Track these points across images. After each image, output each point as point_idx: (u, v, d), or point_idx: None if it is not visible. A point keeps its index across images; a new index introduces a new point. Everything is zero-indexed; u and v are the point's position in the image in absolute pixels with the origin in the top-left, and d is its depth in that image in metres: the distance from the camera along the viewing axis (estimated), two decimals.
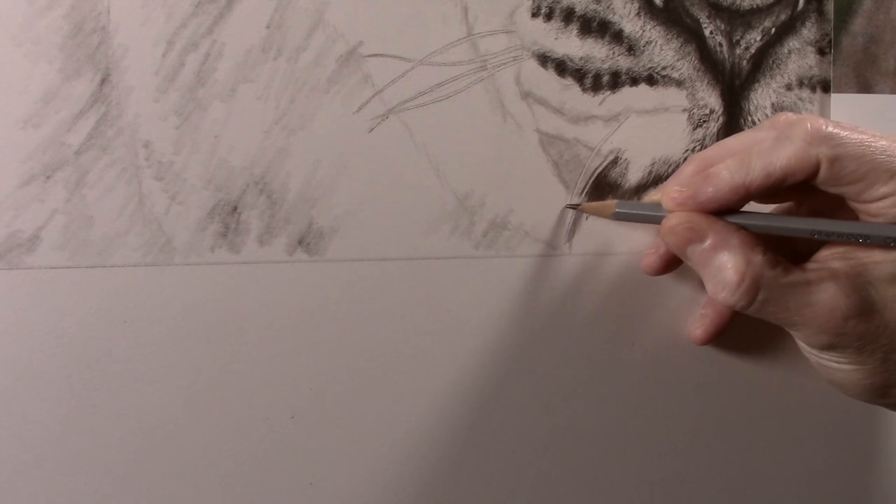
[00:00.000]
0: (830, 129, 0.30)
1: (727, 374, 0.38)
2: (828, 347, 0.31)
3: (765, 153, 0.30)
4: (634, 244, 0.37)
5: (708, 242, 0.31)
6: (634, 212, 0.34)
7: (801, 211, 0.35)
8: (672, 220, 0.32)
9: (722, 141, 0.34)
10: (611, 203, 0.34)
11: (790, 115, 0.32)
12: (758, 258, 0.30)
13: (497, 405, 0.36)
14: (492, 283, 0.36)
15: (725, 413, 0.38)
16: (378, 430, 0.35)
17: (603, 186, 0.36)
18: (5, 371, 0.32)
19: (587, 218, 0.36)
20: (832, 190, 0.30)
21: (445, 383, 0.35)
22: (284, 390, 0.34)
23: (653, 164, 0.36)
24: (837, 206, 0.32)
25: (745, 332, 0.38)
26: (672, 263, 0.35)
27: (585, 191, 0.36)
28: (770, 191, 0.31)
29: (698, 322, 0.37)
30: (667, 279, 0.37)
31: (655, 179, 0.36)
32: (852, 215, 0.31)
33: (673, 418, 0.37)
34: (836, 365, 0.31)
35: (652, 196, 0.34)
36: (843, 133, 0.30)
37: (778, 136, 0.31)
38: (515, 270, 0.36)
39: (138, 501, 0.33)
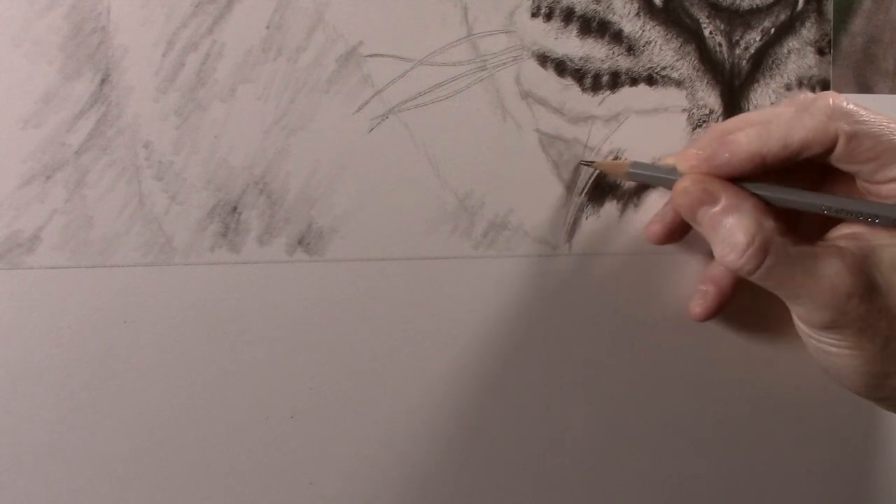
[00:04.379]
0: (851, 106, 0.30)
1: (727, 374, 0.38)
2: (828, 326, 0.31)
3: (784, 124, 0.31)
4: (634, 244, 0.37)
5: (720, 205, 0.31)
6: (648, 173, 0.34)
7: None
8: (686, 181, 0.32)
9: (743, 114, 0.35)
10: (625, 163, 0.34)
11: (811, 94, 0.33)
12: (769, 223, 0.30)
13: (497, 405, 0.36)
14: (492, 283, 0.36)
15: (726, 413, 0.38)
16: (378, 430, 0.35)
17: (603, 186, 0.36)
18: (5, 371, 0.32)
19: (587, 217, 0.36)
20: (846, 167, 0.31)
21: (445, 383, 0.35)
22: (284, 390, 0.34)
23: (653, 164, 0.36)
24: (847, 194, 0.33)
25: (745, 333, 0.38)
26: (676, 233, 0.35)
27: (585, 191, 0.36)
28: (786, 163, 0.31)
29: (698, 298, 0.36)
30: (668, 279, 0.37)
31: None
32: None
33: (673, 419, 0.37)
34: (835, 349, 0.31)
35: (667, 159, 0.34)
36: (864, 112, 0.30)
37: (799, 110, 0.31)
38: (515, 270, 0.36)
39: (138, 501, 0.33)
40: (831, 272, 0.30)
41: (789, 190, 0.32)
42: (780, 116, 0.31)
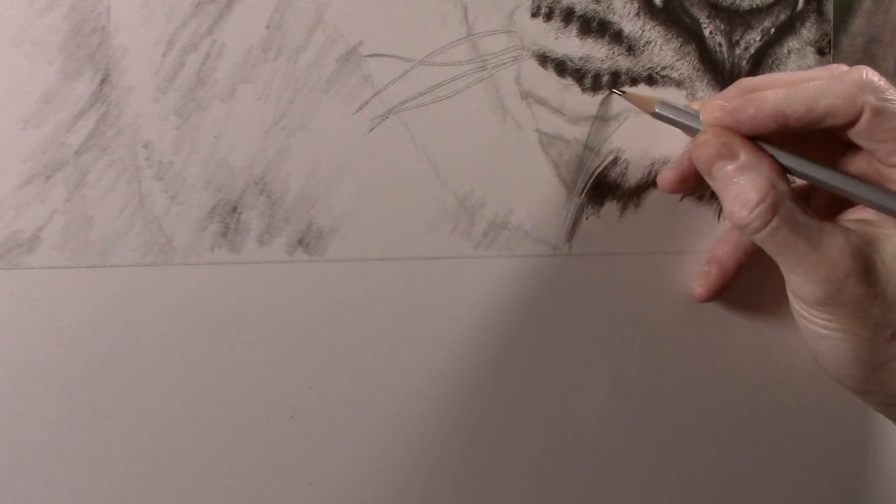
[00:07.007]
0: (883, 83, 0.30)
1: (727, 374, 0.38)
2: (822, 303, 0.31)
3: (813, 88, 0.31)
4: (634, 244, 0.37)
5: (737, 162, 0.31)
6: (673, 116, 0.33)
7: None
8: (707, 134, 0.32)
9: (772, 73, 0.35)
10: (654, 99, 0.34)
11: (845, 65, 0.32)
12: (782, 186, 0.31)
13: (497, 405, 0.36)
14: (492, 283, 0.36)
15: (726, 414, 0.38)
16: (378, 430, 0.35)
17: (603, 186, 0.36)
18: (5, 371, 0.32)
19: (587, 217, 0.36)
20: (865, 144, 0.31)
21: (445, 383, 0.35)
22: (284, 390, 0.34)
23: (652, 164, 0.37)
24: (860, 173, 0.33)
25: (745, 334, 0.38)
26: (687, 182, 0.35)
27: (585, 191, 0.36)
28: (808, 127, 0.31)
29: (701, 279, 0.36)
30: (668, 279, 0.37)
31: (655, 179, 0.36)
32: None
33: (672, 418, 0.37)
34: (825, 331, 0.31)
35: (693, 104, 0.34)
36: (894, 91, 0.30)
37: (830, 77, 0.31)
38: (515, 270, 0.36)
39: (138, 501, 0.33)
40: (834, 248, 0.30)
41: (807, 162, 0.32)
42: (809, 80, 0.31)
